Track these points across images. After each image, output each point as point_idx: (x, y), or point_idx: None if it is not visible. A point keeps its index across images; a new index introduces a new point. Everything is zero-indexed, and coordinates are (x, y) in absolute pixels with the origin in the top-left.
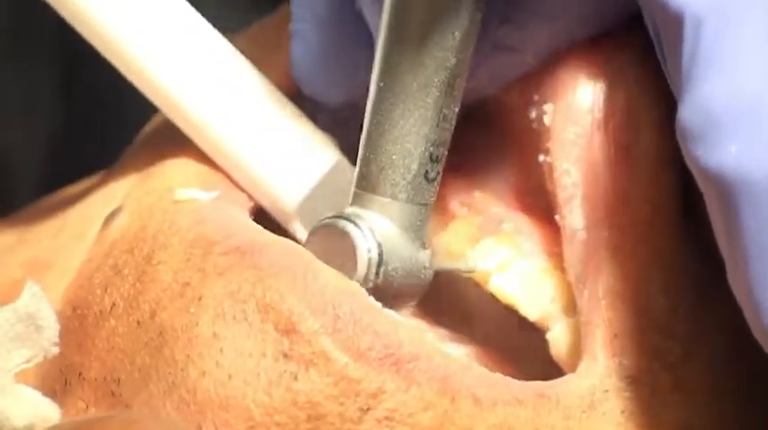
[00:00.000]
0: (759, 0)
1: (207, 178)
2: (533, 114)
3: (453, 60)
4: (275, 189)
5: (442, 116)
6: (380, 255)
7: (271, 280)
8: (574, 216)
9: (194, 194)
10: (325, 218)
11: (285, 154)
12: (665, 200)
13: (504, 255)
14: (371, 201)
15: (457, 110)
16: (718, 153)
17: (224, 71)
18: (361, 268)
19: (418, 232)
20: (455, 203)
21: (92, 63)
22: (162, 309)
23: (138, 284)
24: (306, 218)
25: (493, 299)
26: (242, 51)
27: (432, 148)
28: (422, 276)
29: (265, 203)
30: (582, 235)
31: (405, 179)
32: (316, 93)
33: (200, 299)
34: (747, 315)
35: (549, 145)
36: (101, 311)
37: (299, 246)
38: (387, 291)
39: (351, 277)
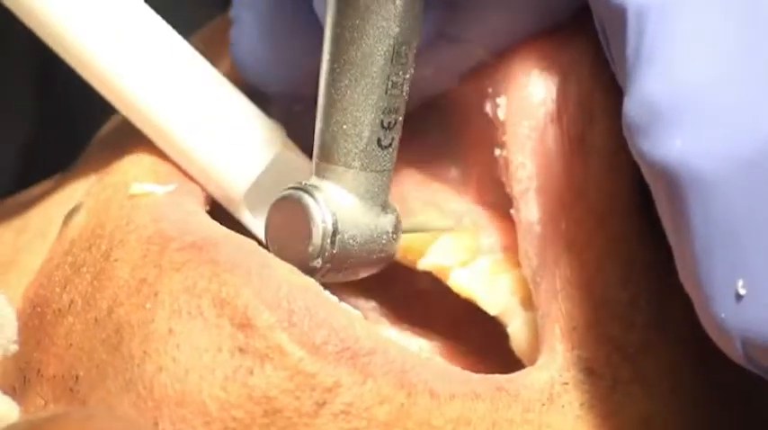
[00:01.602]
0: None
1: (162, 172)
2: (488, 108)
3: (396, 29)
4: (222, 177)
5: (390, 83)
6: (335, 223)
7: (226, 275)
8: (529, 209)
9: (149, 188)
10: (286, 188)
11: (232, 141)
12: (621, 190)
13: (463, 250)
14: (327, 171)
15: (408, 77)
16: (664, 146)
17: (170, 59)
18: (316, 238)
19: (377, 199)
20: (414, 197)
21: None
22: (119, 305)
23: (95, 282)
24: (253, 204)
25: (453, 294)
26: (197, 47)
27: (382, 116)
28: (384, 242)
29: (213, 191)
30: (538, 228)
31: (357, 147)
32: (254, 78)
33: (156, 294)
34: (697, 307)
35: (504, 138)
36: (59, 309)
37: (254, 241)
38: (346, 260)
39: (307, 247)
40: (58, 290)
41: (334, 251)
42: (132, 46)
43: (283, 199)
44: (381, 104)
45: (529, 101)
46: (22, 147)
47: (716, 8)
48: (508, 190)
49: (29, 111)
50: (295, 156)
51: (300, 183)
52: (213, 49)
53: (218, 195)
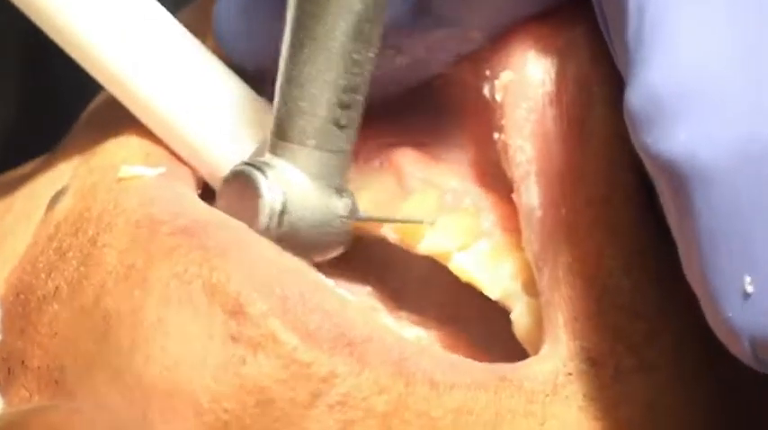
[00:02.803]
0: None
1: (151, 153)
2: (486, 91)
3: (359, 5)
4: (212, 156)
5: (351, 61)
6: (284, 203)
7: (217, 260)
8: (530, 193)
9: (139, 171)
10: (237, 165)
11: (222, 120)
12: (622, 174)
13: (464, 232)
14: (282, 148)
15: (371, 56)
16: (668, 139)
17: (159, 37)
18: (263, 216)
19: (331, 180)
20: (414, 177)
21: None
22: (106, 292)
23: (82, 268)
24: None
25: (453, 279)
26: (185, 22)
27: (341, 95)
28: (336, 225)
29: (203, 171)
30: (539, 213)
31: (312, 125)
32: (233, 54)
33: (145, 281)
34: (702, 303)
35: (502, 122)
36: (44, 296)
37: (247, 226)
38: (293, 240)
39: (254, 224)
40: (42, 276)
41: (281, 230)
42: (121, 23)
43: (235, 174)
44: (341, 83)
45: (527, 82)
46: (5, 129)
47: None
48: (508, 174)
49: (12, 92)
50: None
51: (253, 159)
52: (201, 26)
53: (207, 175)
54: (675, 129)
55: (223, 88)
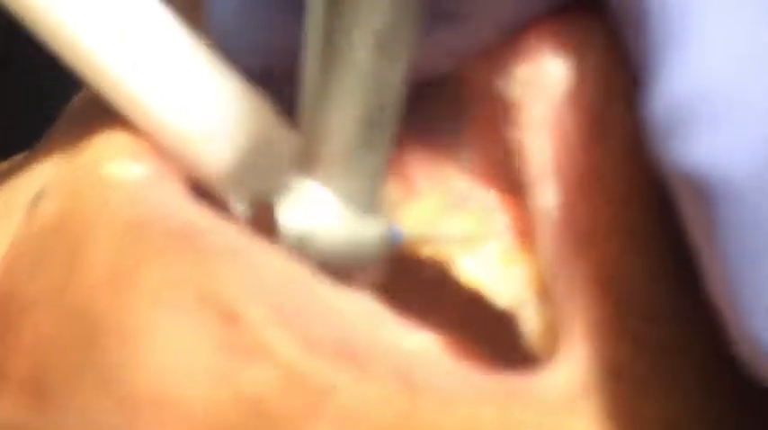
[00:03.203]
0: None
1: (138, 150)
2: (500, 88)
3: (386, 22)
4: (204, 152)
5: (379, 80)
6: (307, 230)
7: (212, 264)
8: (546, 194)
9: (125, 169)
10: (261, 188)
11: (215, 114)
12: (641, 177)
13: (471, 234)
14: (308, 171)
15: (400, 73)
16: (691, 148)
17: (147, 27)
18: (285, 243)
19: (363, 203)
20: (420, 178)
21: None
22: (93, 297)
23: (67, 271)
24: (237, 181)
25: (460, 283)
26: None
27: (370, 114)
28: (365, 251)
29: (194, 168)
30: (555, 215)
31: (341, 147)
32: (226, 47)
33: (134, 285)
34: (728, 323)
35: (518, 119)
36: (26, 301)
37: (243, 228)
38: (320, 268)
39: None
40: (24, 280)
41: (305, 258)
42: (107, 11)
43: (258, 195)
44: (369, 102)
45: (544, 79)
46: None
47: (737, 1)
48: (522, 174)
49: None
50: (282, 130)
51: (278, 180)
52: (194, 15)
53: (199, 172)
54: (699, 137)
55: (215, 79)
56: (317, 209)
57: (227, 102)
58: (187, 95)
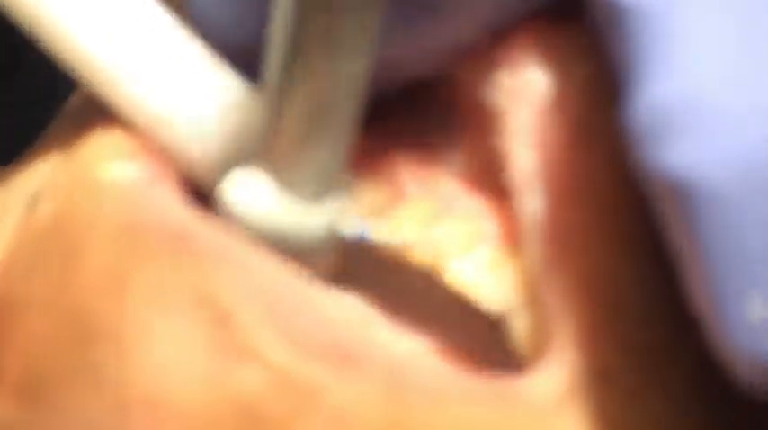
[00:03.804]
0: None
1: (133, 152)
2: (486, 94)
3: (349, 12)
4: (177, 127)
5: (330, 76)
6: (250, 214)
7: (205, 266)
8: (533, 201)
9: (121, 171)
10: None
11: (186, 89)
12: (628, 182)
13: (461, 239)
14: (259, 160)
15: (359, 72)
16: (673, 153)
17: (138, 20)
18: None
19: (309, 194)
20: (409, 182)
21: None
22: (88, 299)
23: (62, 274)
24: (217, 164)
25: (450, 287)
26: None
27: (320, 108)
28: (310, 238)
29: (182, 161)
30: (543, 221)
31: (289, 139)
32: (211, 32)
33: (129, 287)
34: (708, 332)
35: (504, 126)
36: (21, 304)
37: (236, 230)
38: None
39: None
40: (19, 282)
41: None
42: (98, 7)
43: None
44: (319, 97)
45: (529, 85)
46: None
47: (719, 7)
48: (510, 180)
49: None
50: (255, 105)
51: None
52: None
53: (187, 167)
54: (680, 143)
55: (185, 53)
56: (258, 196)
57: (215, 95)
58: (176, 89)
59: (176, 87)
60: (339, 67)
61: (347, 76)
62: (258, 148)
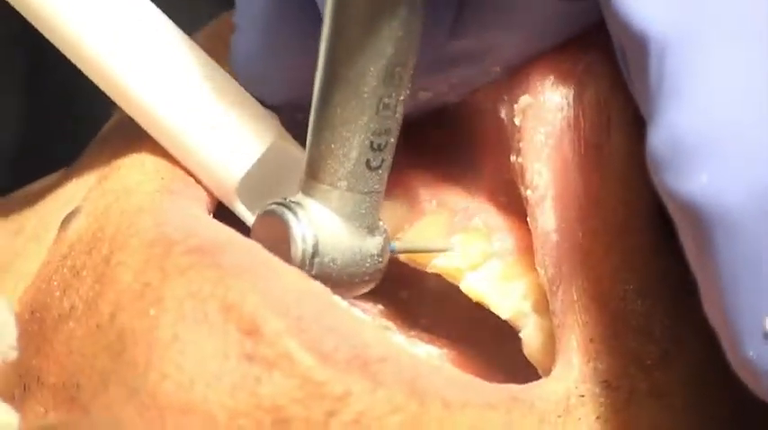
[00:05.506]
0: (724, 22)
1: (164, 175)
2: (503, 114)
3: (391, 50)
4: (216, 166)
5: (382, 105)
6: (315, 245)
7: (232, 279)
8: (546, 217)
9: (151, 191)
10: (271, 203)
11: (226, 130)
12: (638, 200)
13: (475, 252)
14: (314, 189)
15: (402, 98)
16: (690, 182)
17: (165, 49)
18: (296, 258)
19: (363, 220)
20: (425, 198)
21: (56, 58)
22: (121, 310)
23: (96, 286)
24: (247, 195)
25: (463, 297)
26: (201, 43)
27: (372, 137)
28: (368, 265)
29: (207, 182)
30: (554, 237)
31: (344, 167)
32: (253, 89)
33: (160, 300)
34: (724, 345)
35: (520, 145)
36: (59, 314)
37: (261, 245)
38: (326, 282)
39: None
40: (57, 294)
41: (313, 273)
42: (127, 33)
43: (268, 212)
44: (372, 126)
45: (545, 107)
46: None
47: (740, 40)
48: (524, 197)
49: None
50: (290, 146)
51: (285, 199)
52: (216, 45)
53: (211, 185)
54: (698, 172)
55: (226, 96)
56: (320, 228)
57: (237, 119)
58: (201, 112)
59: (209, 115)
60: (391, 96)
61: (396, 104)
62: (308, 180)
